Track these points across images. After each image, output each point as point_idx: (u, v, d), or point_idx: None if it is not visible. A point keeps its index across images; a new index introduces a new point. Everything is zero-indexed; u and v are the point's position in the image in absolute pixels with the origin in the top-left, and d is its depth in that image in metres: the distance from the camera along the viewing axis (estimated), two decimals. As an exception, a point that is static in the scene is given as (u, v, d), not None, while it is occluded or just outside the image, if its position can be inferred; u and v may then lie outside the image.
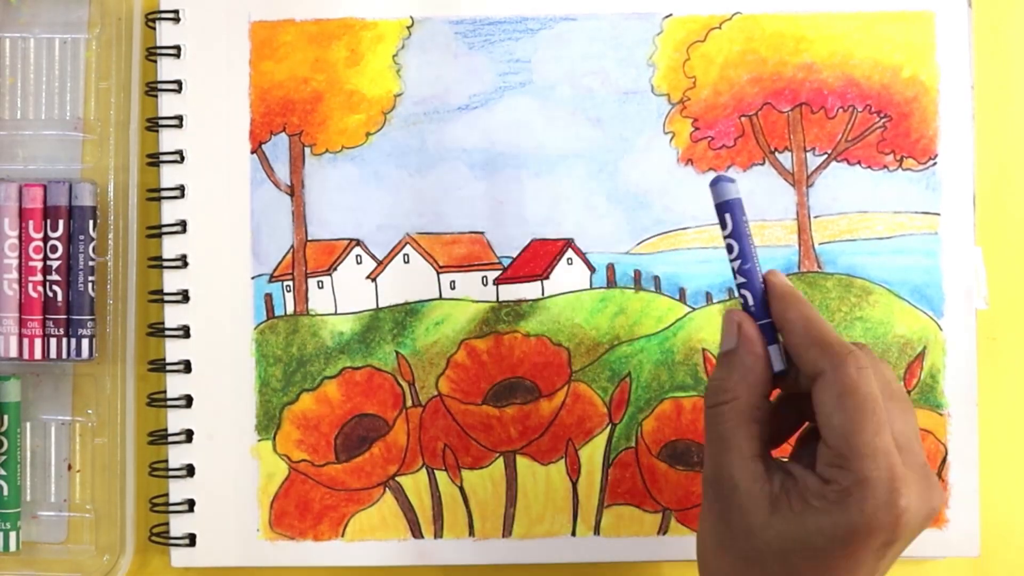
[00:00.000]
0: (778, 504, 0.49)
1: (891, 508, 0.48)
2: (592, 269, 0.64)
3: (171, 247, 0.64)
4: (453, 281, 0.64)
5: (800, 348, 0.51)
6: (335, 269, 0.64)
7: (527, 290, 0.64)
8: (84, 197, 0.64)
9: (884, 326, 0.64)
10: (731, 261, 0.52)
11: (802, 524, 0.49)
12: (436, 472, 0.64)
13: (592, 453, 0.64)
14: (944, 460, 0.64)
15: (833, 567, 0.49)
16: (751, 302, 0.52)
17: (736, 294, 0.53)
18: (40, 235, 0.63)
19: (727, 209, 0.52)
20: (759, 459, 0.51)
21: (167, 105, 0.64)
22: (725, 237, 0.52)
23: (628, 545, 0.64)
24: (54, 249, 0.63)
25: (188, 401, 0.64)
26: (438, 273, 0.64)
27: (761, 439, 0.51)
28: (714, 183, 0.52)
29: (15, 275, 0.63)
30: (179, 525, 0.64)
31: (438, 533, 0.64)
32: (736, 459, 0.50)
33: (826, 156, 0.64)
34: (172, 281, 0.64)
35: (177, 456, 0.64)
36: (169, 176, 0.64)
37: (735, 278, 0.52)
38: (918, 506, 0.49)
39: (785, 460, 0.52)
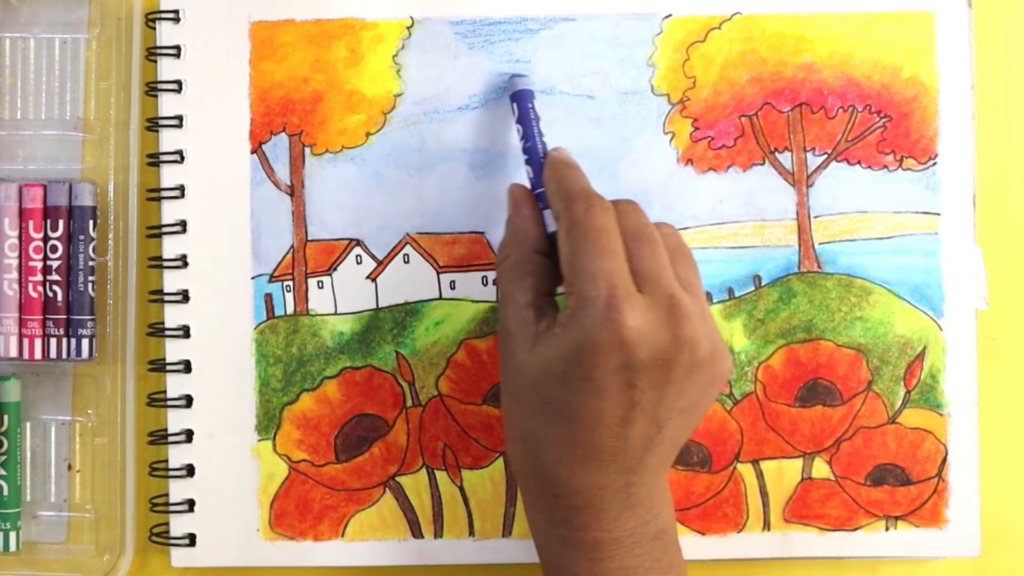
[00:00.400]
0: (538, 338, 0.54)
1: (609, 323, 0.51)
2: (592, 269, 0.64)
3: (171, 247, 0.64)
4: (453, 281, 0.64)
5: (551, 202, 0.56)
6: (335, 269, 0.64)
7: (527, 290, 0.64)
8: (84, 197, 0.64)
9: (884, 326, 0.64)
10: (520, 142, 0.60)
11: (546, 352, 0.53)
12: (436, 472, 0.64)
13: (592, 453, 0.64)
14: (944, 460, 0.64)
15: (575, 390, 0.52)
16: (531, 175, 0.59)
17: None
18: (40, 235, 0.63)
19: (515, 99, 0.61)
20: (531, 307, 0.55)
21: (167, 105, 0.64)
22: (516, 124, 0.61)
23: (628, 545, 0.64)
24: (54, 249, 0.63)
25: (188, 401, 0.64)
26: (438, 273, 0.64)
27: (535, 290, 0.55)
28: (510, 78, 0.62)
29: (15, 275, 0.63)
30: (179, 525, 0.64)
31: (438, 533, 0.64)
32: (511, 308, 0.55)
33: (826, 156, 0.64)
34: (172, 281, 0.64)
35: (177, 456, 0.64)
36: (169, 176, 0.64)
37: (523, 157, 0.59)
38: (649, 328, 0.51)
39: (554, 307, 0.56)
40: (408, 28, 0.64)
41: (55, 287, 0.63)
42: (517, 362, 0.54)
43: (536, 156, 0.59)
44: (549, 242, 0.57)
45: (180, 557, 0.64)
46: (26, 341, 0.63)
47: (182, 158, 0.64)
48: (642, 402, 0.52)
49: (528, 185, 0.59)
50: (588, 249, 0.53)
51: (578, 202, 0.54)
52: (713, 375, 0.54)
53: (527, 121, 0.60)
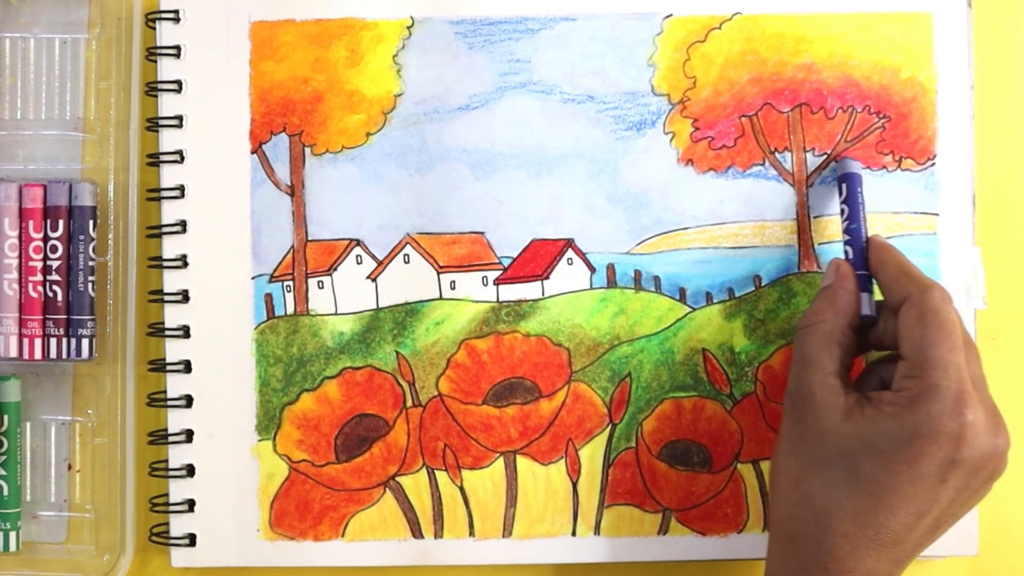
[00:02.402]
0: (851, 414, 0.54)
1: (956, 416, 0.52)
2: (592, 269, 0.64)
3: (171, 247, 0.64)
4: (453, 281, 0.64)
5: (892, 281, 0.57)
6: (335, 269, 0.64)
7: (527, 290, 0.64)
8: (84, 197, 0.64)
9: (884, 326, 0.64)
10: (842, 221, 0.61)
11: (870, 427, 0.53)
12: (436, 472, 0.64)
13: (592, 453, 0.64)
14: (944, 460, 0.64)
15: (895, 471, 0.52)
16: (851, 255, 0.60)
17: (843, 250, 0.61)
18: (40, 235, 0.63)
19: (844, 180, 0.62)
20: (837, 376, 0.56)
21: (167, 105, 0.64)
22: (840, 203, 0.62)
23: (628, 545, 0.64)
24: (54, 249, 0.63)
25: (188, 401, 0.64)
26: (438, 273, 0.64)
27: (842, 362, 0.56)
28: (839, 160, 0.64)
29: (15, 275, 0.63)
30: (179, 525, 0.64)
31: (438, 533, 0.64)
32: (817, 374, 0.56)
33: (826, 156, 0.64)
34: (172, 281, 0.64)
35: (177, 456, 0.64)
36: (169, 176, 0.64)
37: (843, 236, 0.61)
38: (984, 429, 0.52)
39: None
40: (408, 28, 0.64)
41: (55, 287, 0.63)
42: (824, 429, 0.55)
43: (859, 239, 0.60)
44: (861, 324, 0.58)
45: (180, 557, 0.64)
46: (26, 341, 0.63)
47: (182, 158, 0.64)
48: (942, 499, 0.53)
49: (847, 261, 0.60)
50: (944, 339, 0.53)
51: (935, 290, 0.55)
52: (990, 486, 0.56)
53: (856, 204, 0.61)
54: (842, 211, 0.61)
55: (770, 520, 0.58)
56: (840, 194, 0.62)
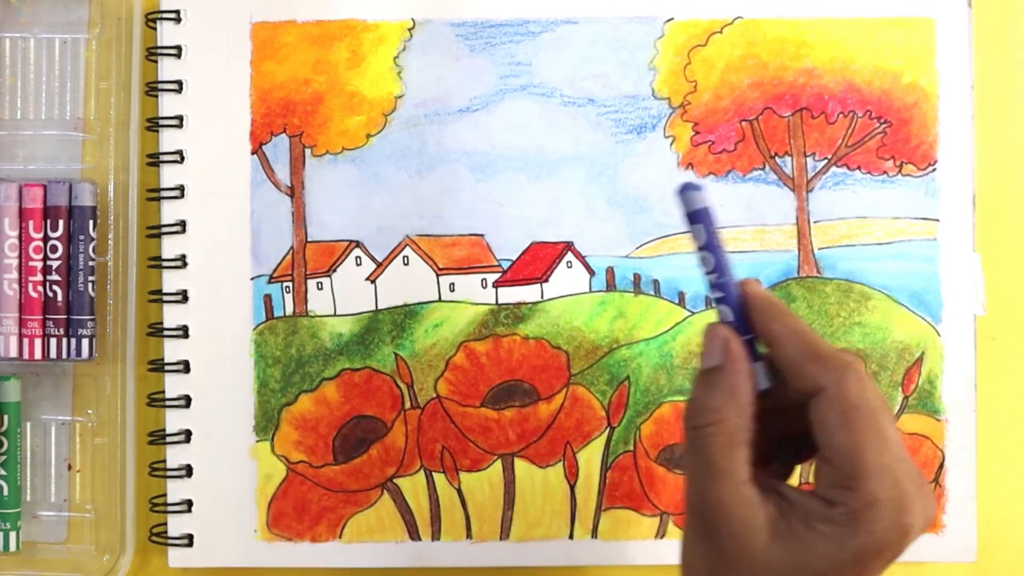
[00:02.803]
0: (777, 530, 0.46)
1: (899, 527, 0.46)
2: (591, 272, 0.64)
3: (171, 247, 0.64)
4: (452, 283, 0.64)
5: (795, 364, 0.47)
6: (334, 270, 0.64)
7: (526, 293, 0.64)
8: (84, 197, 0.64)
9: (882, 331, 0.64)
10: (706, 275, 0.48)
11: (808, 550, 0.46)
12: (434, 474, 0.64)
13: (590, 456, 0.64)
14: (941, 466, 0.64)
15: None
16: (730, 316, 0.48)
17: (714, 306, 0.50)
18: (40, 235, 0.63)
19: (699, 219, 0.47)
20: (751, 484, 0.47)
21: (167, 105, 0.64)
22: (698, 249, 0.48)
23: (626, 548, 0.64)
24: (54, 249, 0.63)
25: (187, 401, 0.64)
26: (437, 275, 0.64)
27: (750, 462, 0.47)
28: (682, 191, 0.47)
29: (15, 275, 0.63)
30: (177, 525, 0.64)
31: (436, 535, 0.64)
32: (727, 486, 0.47)
33: (826, 161, 0.64)
34: (171, 281, 0.64)
35: (175, 456, 0.64)
36: (169, 176, 0.64)
37: (711, 292, 0.48)
38: (923, 520, 0.47)
39: (773, 481, 0.49)
40: (409, 30, 0.64)
41: (55, 287, 0.63)
42: (751, 551, 0.46)
43: (732, 295, 0.48)
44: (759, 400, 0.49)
45: (177, 557, 0.64)
46: (26, 341, 0.63)
47: (182, 158, 0.64)
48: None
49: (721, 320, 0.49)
50: (873, 441, 0.46)
51: (849, 376, 0.46)
52: None
53: (717, 251, 0.48)
54: (703, 260, 0.48)
55: None
56: (696, 238, 0.48)
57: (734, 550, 0.47)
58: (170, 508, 0.64)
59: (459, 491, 0.64)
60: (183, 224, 0.64)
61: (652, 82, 0.64)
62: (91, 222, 0.64)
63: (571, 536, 0.64)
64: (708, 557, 0.48)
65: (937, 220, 0.64)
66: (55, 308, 0.63)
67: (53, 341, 0.63)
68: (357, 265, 0.64)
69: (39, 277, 0.63)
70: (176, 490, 0.64)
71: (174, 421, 0.64)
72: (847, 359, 0.47)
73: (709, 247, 0.47)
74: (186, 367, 0.64)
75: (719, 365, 0.48)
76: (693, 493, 0.48)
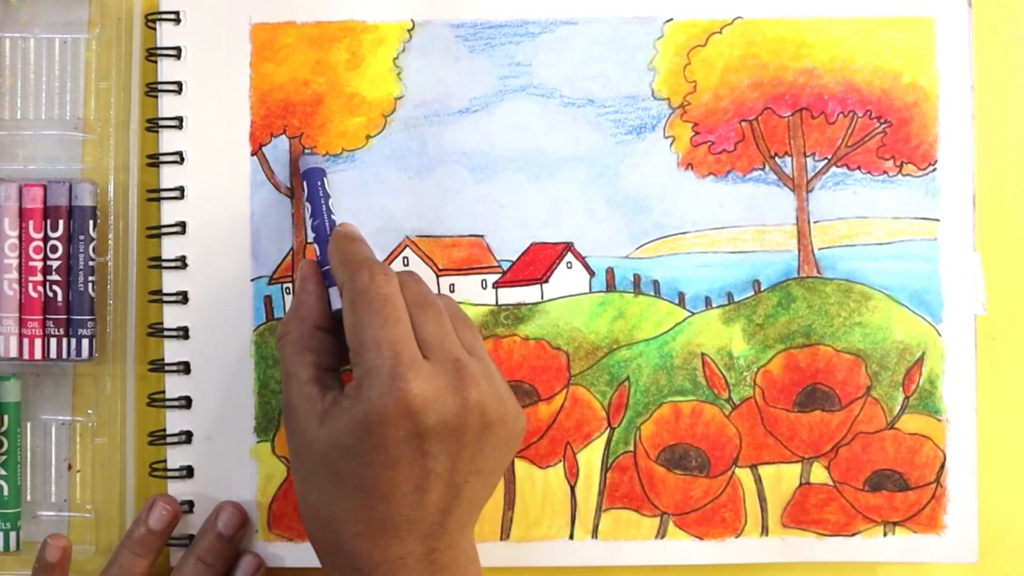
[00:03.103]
0: (325, 417, 0.53)
1: (395, 392, 0.50)
2: (591, 273, 0.64)
3: (170, 248, 0.64)
4: (452, 284, 0.64)
5: (335, 273, 0.56)
6: (335, 271, 0.64)
7: (526, 293, 0.64)
8: (84, 197, 0.64)
9: (883, 331, 0.64)
10: (307, 220, 0.61)
11: (336, 426, 0.52)
12: (434, 475, 0.64)
13: (590, 457, 0.64)
14: (942, 466, 0.64)
15: (368, 462, 0.51)
16: (319, 253, 0.59)
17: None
18: (40, 235, 0.63)
19: (305, 177, 0.62)
20: (313, 382, 0.54)
21: (167, 106, 0.64)
22: (305, 200, 0.61)
23: (626, 549, 0.64)
24: (54, 249, 0.63)
25: (187, 402, 0.64)
26: (437, 276, 0.64)
27: (317, 365, 0.55)
28: (301, 156, 0.62)
29: (15, 275, 0.63)
30: (178, 526, 0.64)
31: (436, 536, 0.64)
32: (294, 384, 0.54)
33: (826, 161, 0.64)
34: (171, 282, 0.64)
35: (176, 457, 0.64)
36: (169, 177, 0.64)
37: (310, 235, 0.60)
38: (438, 392, 0.51)
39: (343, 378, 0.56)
40: (409, 31, 0.64)
41: (55, 287, 0.63)
42: (307, 439, 0.53)
43: (323, 233, 0.59)
44: (334, 319, 0.57)
45: (178, 558, 0.64)
46: (26, 341, 0.63)
47: (182, 159, 0.64)
48: (436, 468, 0.52)
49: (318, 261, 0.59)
50: (372, 318, 0.52)
51: (361, 271, 0.54)
52: (507, 435, 0.54)
53: (316, 199, 0.61)
54: (305, 208, 0.61)
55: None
56: (303, 192, 0.62)
57: (296, 437, 0.54)
58: (170, 509, 0.64)
59: (459, 492, 0.64)
60: (183, 225, 0.64)
61: (652, 82, 0.64)
62: (91, 222, 0.64)
63: (571, 536, 0.64)
64: (289, 447, 0.55)
65: (937, 220, 0.64)
66: (55, 308, 0.63)
67: (53, 341, 0.63)
68: (357, 266, 0.64)
69: (39, 277, 0.63)
70: (177, 491, 0.64)
71: (174, 422, 0.64)
72: (367, 260, 0.55)
73: (310, 198, 0.61)
74: (186, 368, 0.64)
75: (295, 289, 0.58)
76: (283, 397, 0.56)
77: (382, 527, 0.52)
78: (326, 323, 0.57)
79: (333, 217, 0.61)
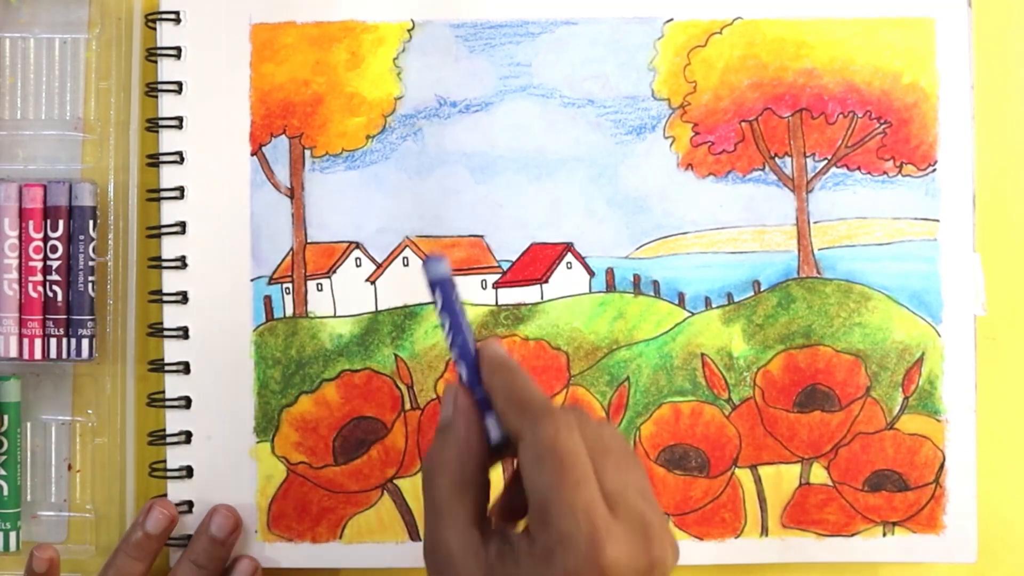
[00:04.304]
0: (492, 571, 0.48)
1: (593, 562, 0.46)
2: (591, 273, 0.64)
3: (170, 248, 0.64)
4: (452, 284, 0.64)
5: (504, 413, 0.50)
6: (334, 272, 0.64)
7: (526, 294, 0.64)
8: (84, 197, 0.64)
9: (883, 332, 0.64)
10: (445, 336, 0.52)
11: None
12: (434, 475, 0.64)
13: (590, 457, 0.64)
14: (942, 466, 0.64)
15: None
16: (464, 375, 0.51)
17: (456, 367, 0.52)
18: (40, 235, 0.63)
19: (437, 287, 0.52)
20: (474, 527, 0.50)
21: (167, 106, 0.64)
22: (438, 313, 0.52)
23: (625, 549, 0.64)
24: (54, 249, 0.63)
25: (187, 402, 0.64)
26: (437, 276, 0.64)
27: (477, 508, 0.50)
28: (425, 263, 0.52)
29: (15, 275, 0.63)
30: (178, 526, 0.64)
31: (436, 536, 0.64)
32: (451, 529, 0.50)
33: (826, 162, 0.64)
34: (171, 282, 0.64)
35: (176, 457, 0.64)
36: (169, 177, 0.64)
37: (451, 352, 0.51)
38: (628, 559, 0.47)
39: (504, 525, 0.52)
40: (409, 31, 0.64)
41: (55, 287, 0.63)
42: None
43: (468, 353, 0.51)
44: (491, 453, 0.51)
45: (178, 558, 0.64)
46: (26, 341, 0.63)
47: (182, 159, 0.64)
48: None
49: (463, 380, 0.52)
50: (563, 480, 0.48)
51: (545, 423, 0.48)
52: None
53: (455, 314, 0.52)
54: (441, 324, 0.52)
55: None
56: (435, 304, 0.52)
57: None
58: (170, 509, 0.64)
59: (459, 492, 0.64)
60: (183, 225, 0.64)
61: (652, 83, 0.64)
62: (91, 222, 0.64)
63: (571, 537, 0.64)
64: None
65: (937, 220, 0.64)
66: (55, 308, 0.63)
67: (53, 341, 0.63)
68: (357, 266, 0.64)
69: (39, 277, 0.63)
70: (176, 491, 0.64)
71: (174, 422, 0.64)
72: (545, 407, 0.49)
73: (447, 310, 0.52)
74: (186, 368, 0.64)
75: (449, 419, 0.51)
76: (426, 538, 0.51)
77: None
78: (486, 460, 0.51)
79: (471, 330, 0.52)
